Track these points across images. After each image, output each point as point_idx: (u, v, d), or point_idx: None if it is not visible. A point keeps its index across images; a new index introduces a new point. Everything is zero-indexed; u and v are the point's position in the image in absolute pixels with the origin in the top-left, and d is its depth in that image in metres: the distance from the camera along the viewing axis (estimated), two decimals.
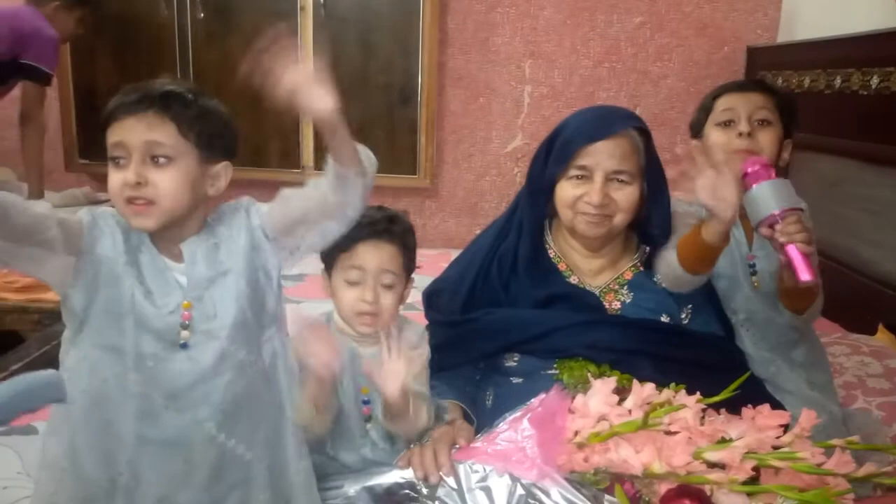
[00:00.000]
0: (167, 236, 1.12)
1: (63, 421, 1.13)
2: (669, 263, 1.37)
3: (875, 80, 2.22)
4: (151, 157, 1.06)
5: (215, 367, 1.10)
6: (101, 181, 3.39)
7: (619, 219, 1.39)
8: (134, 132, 1.05)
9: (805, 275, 1.21)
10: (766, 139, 1.48)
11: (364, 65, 3.33)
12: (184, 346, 1.09)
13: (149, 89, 1.08)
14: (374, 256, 1.26)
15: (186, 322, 1.09)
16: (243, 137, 3.84)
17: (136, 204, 1.05)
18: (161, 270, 1.10)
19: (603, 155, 1.36)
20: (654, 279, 1.45)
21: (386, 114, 3.37)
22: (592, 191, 1.36)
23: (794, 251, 1.22)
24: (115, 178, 1.06)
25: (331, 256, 1.29)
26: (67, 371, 1.12)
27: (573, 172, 1.39)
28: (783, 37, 3.24)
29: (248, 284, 1.14)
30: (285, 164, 3.40)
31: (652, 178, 1.41)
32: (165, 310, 1.09)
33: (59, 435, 1.13)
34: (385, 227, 1.27)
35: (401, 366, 1.20)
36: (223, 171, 1.15)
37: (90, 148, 3.45)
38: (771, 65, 3.03)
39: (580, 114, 1.46)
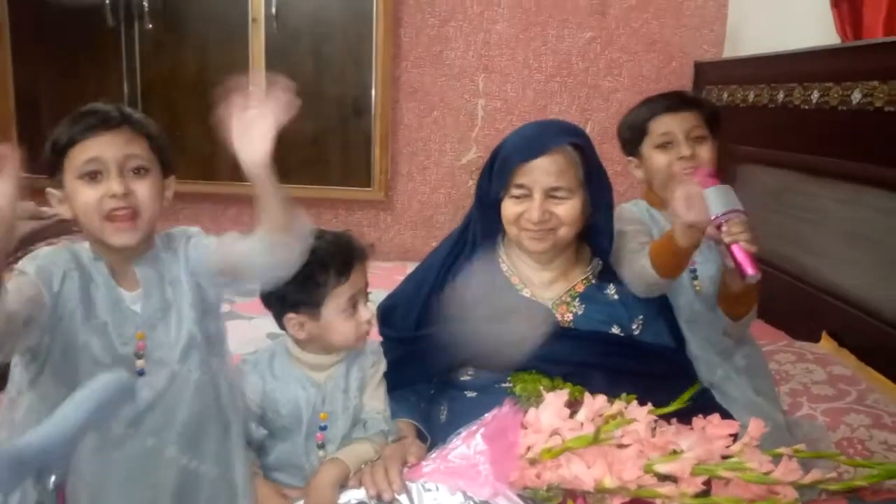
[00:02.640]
0: (122, 258, 1.15)
1: None
2: (640, 270, 1.41)
3: (815, 95, 2.29)
4: (130, 169, 1.11)
5: (173, 390, 1.14)
6: (44, 196, 3.29)
7: (564, 232, 1.41)
8: (112, 146, 1.09)
9: (750, 269, 1.30)
10: (705, 153, 1.58)
11: (317, 77, 3.30)
12: (140, 373, 1.13)
13: (110, 109, 1.11)
14: (362, 277, 1.31)
15: (141, 352, 1.13)
16: (194, 150, 3.75)
17: (120, 216, 1.09)
18: (116, 302, 1.13)
19: (539, 172, 1.38)
20: (606, 290, 1.47)
21: (340, 126, 3.35)
22: (532, 208, 1.38)
23: (738, 250, 1.32)
24: (92, 193, 1.08)
25: (314, 297, 1.26)
26: (19, 422, 1.11)
27: (514, 191, 1.40)
28: (729, 52, 3.33)
29: (195, 309, 1.18)
30: (237, 177, 3.31)
31: (595, 189, 1.43)
32: (120, 341, 1.12)
33: None
34: (360, 246, 1.32)
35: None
36: (171, 185, 1.20)
37: (33, 161, 3.33)
38: (717, 79, 3.10)
39: (518, 132, 1.48)
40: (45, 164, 1.12)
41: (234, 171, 3.82)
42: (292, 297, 1.27)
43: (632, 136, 1.66)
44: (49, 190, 1.12)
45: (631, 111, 1.69)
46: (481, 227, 1.48)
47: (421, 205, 3.56)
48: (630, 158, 1.68)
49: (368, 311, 1.31)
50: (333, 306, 1.27)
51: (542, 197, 1.38)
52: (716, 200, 1.33)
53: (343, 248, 1.29)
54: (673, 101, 1.62)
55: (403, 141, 3.48)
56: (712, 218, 1.32)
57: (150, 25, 3.22)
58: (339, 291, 1.27)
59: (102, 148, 1.09)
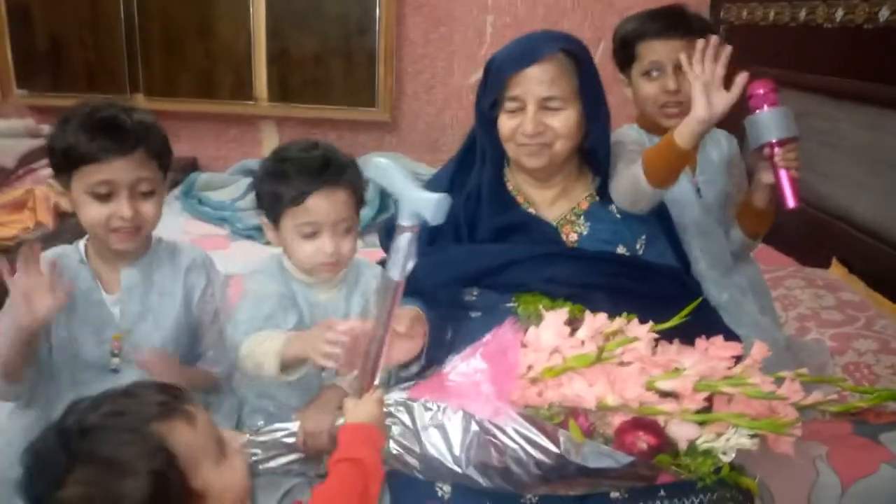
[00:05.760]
0: (113, 261, 1.22)
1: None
2: (631, 179, 1.36)
3: (840, 13, 2.18)
4: (139, 191, 1.17)
5: None
6: (42, 113, 3.22)
7: (560, 145, 1.36)
8: (125, 171, 1.14)
9: (792, 201, 1.30)
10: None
11: None
12: (115, 370, 1.21)
13: (126, 127, 1.13)
14: (327, 207, 1.22)
15: (116, 351, 1.21)
16: (193, 67, 3.67)
17: (126, 231, 1.17)
18: (97, 304, 1.21)
19: (532, 82, 1.33)
20: (610, 208, 1.44)
21: (342, 44, 3.23)
22: (525, 120, 1.33)
23: (787, 178, 1.30)
24: (99, 210, 1.15)
25: (276, 209, 1.23)
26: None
27: (508, 105, 1.36)
28: None
29: (178, 325, 1.26)
30: (238, 96, 3.25)
31: (589, 100, 1.37)
32: (97, 340, 1.20)
33: None
34: (332, 173, 1.22)
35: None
36: (165, 187, 1.26)
37: (28, 76, 3.26)
38: None
39: (510, 43, 1.41)
40: (50, 159, 1.18)
41: (235, 89, 3.76)
42: (261, 199, 1.24)
43: (622, 56, 1.60)
44: (51, 182, 1.24)
45: (625, 21, 1.61)
46: (487, 144, 1.43)
47: (427, 126, 3.47)
48: (622, 77, 1.64)
49: (332, 244, 1.23)
50: (289, 225, 1.22)
51: (535, 108, 1.33)
52: (780, 122, 1.29)
53: (313, 165, 1.21)
54: (664, 25, 1.52)
55: (408, 59, 3.37)
56: (773, 141, 1.29)
57: None
58: (295, 212, 1.21)
59: (116, 172, 1.13)
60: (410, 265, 1.00)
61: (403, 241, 0.99)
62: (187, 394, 0.86)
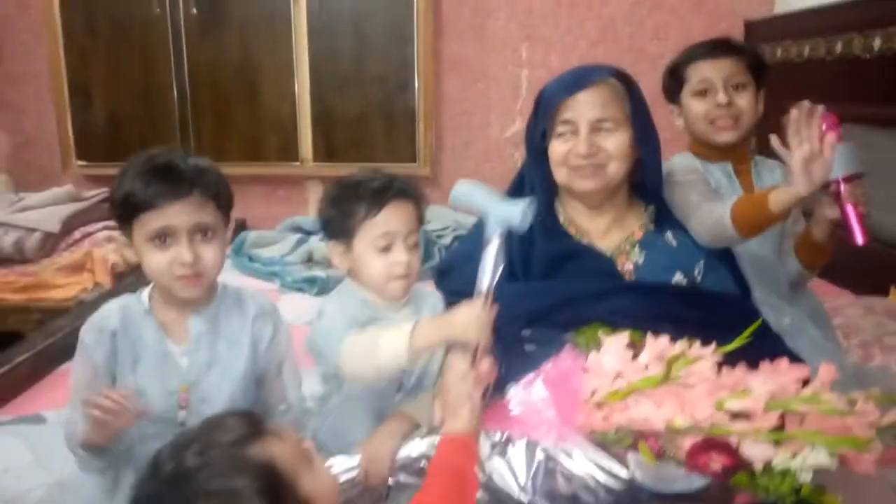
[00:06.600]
0: (180, 310, 1.21)
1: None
2: (716, 220, 1.37)
3: (878, 42, 2.19)
4: (198, 232, 1.16)
5: None
6: (100, 183, 3.36)
7: (614, 167, 1.37)
8: (182, 216, 1.13)
9: (861, 238, 1.28)
10: (744, 102, 1.58)
11: (360, 55, 3.30)
12: (182, 424, 1.18)
13: (182, 172, 1.13)
14: (400, 217, 1.26)
15: (184, 403, 1.19)
16: (241, 131, 3.82)
17: (188, 278, 1.15)
18: (164, 355, 1.20)
19: (584, 105, 1.35)
20: (666, 236, 1.43)
21: (383, 103, 3.35)
22: (578, 142, 1.35)
23: (854, 214, 1.28)
24: (162, 257, 1.15)
25: (349, 226, 1.26)
26: None
27: (560, 129, 1.38)
28: (780, 7, 3.21)
29: (246, 376, 1.24)
30: (284, 157, 3.37)
31: (640, 125, 1.39)
32: (164, 392, 1.19)
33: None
34: (401, 186, 1.27)
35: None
36: (229, 228, 1.25)
37: (87, 149, 3.43)
38: (769, 37, 3.00)
39: (560, 74, 1.45)
40: (111, 212, 1.19)
41: (282, 151, 3.90)
42: (331, 224, 1.28)
43: (671, 83, 1.67)
44: (115, 236, 1.17)
45: (672, 59, 1.69)
46: (538, 177, 1.45)
47: (466, 179, 3.52)
48: (672, 107, 1.69)
49: (406, 254, 1.26)
50: (365, 240, 1.25)
51: (588, 129, 1.35)
52: (849, 158, 1.27)
53: (381, 183, 1.25)
54: (712, 47, 1.61)
55: (447, 115, 3.46)
56: (839, 177, 1.27)
57: (195, 10, 3.26)
58: (371, 224, 1.24)
59: (174, 217, 1.13)
60: (500, 272, 1.10)
61: (492, 249, 1.09)
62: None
